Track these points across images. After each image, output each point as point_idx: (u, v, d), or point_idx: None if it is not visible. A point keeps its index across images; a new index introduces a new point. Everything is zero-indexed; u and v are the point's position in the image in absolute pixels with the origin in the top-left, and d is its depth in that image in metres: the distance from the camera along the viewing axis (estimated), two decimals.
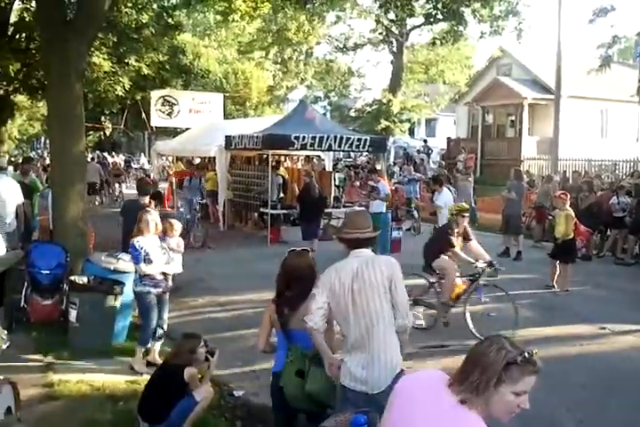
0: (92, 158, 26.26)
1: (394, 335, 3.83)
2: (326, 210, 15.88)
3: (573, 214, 10.48)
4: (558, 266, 10.48)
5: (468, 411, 2.27)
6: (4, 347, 5.10)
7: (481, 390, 2.26)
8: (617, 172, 21.24)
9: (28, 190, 10.53)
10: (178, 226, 7.54)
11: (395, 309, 3.79)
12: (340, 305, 3.84)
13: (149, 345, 6.52)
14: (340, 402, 3.92)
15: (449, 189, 13.66)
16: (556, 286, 10.48)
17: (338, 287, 3.81)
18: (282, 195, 16.36)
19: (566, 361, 7.15)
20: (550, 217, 13.52)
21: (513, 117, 28.52)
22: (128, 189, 23.98)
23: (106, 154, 34.93)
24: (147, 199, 8.59)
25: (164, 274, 6.48)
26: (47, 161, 24.46)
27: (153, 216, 6.44)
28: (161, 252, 6.45)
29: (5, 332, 5.52)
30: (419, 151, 30.42)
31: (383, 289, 3.75)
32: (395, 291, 3.77)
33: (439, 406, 2.31)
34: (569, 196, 10.87)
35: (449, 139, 31.89)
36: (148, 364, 6.44)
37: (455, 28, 27.32)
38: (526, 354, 2.30)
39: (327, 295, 3.87)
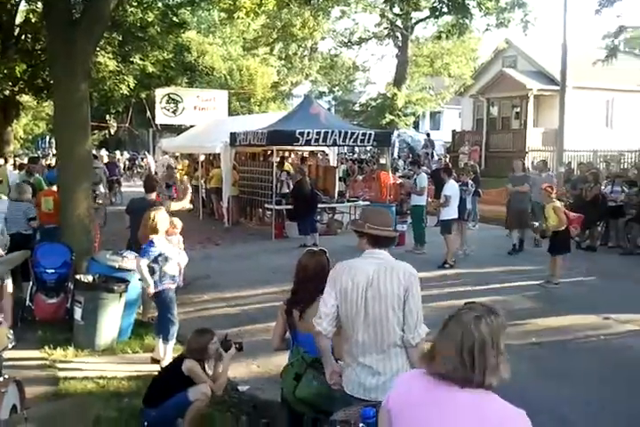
0: (96, 157, 26.31)
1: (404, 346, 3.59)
2: (329, 205, 15.93)
3: (560, 205, 10.38)
4: (557, 258, 10.36)
5: (493, 394, 2.22)
6: (10, 346, 5.13)
7: (498, 367, 2.20)
8: (622, 162, 21.12)
9: (34, 190, 10.59)
10: (179, 224, 7.60)
11: (405, 320, 3.51)
12: (350, 309, 3.58)
13: (173, 341, 6.57)
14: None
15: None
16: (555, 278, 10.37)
17: (350, 289, 3.55)
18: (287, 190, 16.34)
19: (571, 351, 7.18)
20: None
21: (518, 109, 28.38)
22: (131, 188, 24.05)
23: (117, 152, 34.82)
24: (153, 196, 8.64)
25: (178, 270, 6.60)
26: (51, 161, 24.61)
27: (166, 215, 6.56)
28: (173, 249, 6.60)
29: (11, 331, 5.56)
30: (425, 146, 30.35)
31: (398, 299, 3.47)
32: (408, 302, 3.49)
33: (460, 404, 2.20)
34: (555, 189, 10.71)
35: (454, 132, 31.82)
36: (153, 360, 6.49)
37: (461, 21, 27.13)
38: (499, 311, 2.27)
39: (336, 297, 3.62)
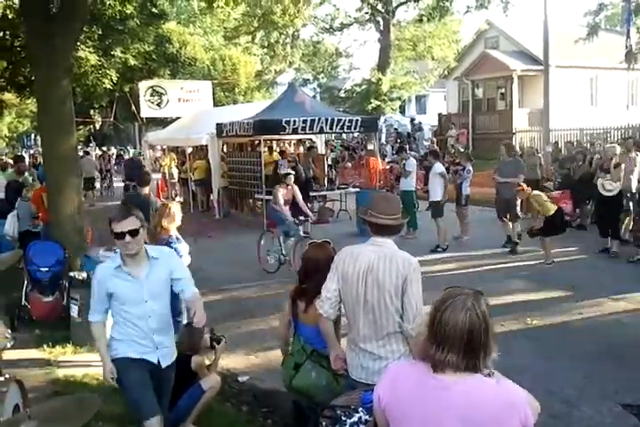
0: (87, 153, 26.19)
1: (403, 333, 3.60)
2: (320, 193, 15.92)
3: (538, 192, 10.48)
4: (546, 239, 10.39)
5: (481, 376, 2.22)
6: (9, 346, 5.12)
7: (493, 348, 2.22)
8: (608, 139, 21.18)
9: (23, 189, 10.55)
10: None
11: (403, 311, 3.52)
12: (350, 294, 3.61)
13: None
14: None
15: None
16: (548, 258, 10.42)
17: (351, 274, 3.58)
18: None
19: (567, 330, 7.24)
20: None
21: (503, 90, 28.40)
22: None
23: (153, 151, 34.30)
24: (147, 190, 8.58)
25: None
26: (38, 158, 24.39)
27: (179, 208, 6.53)
28: (185, 246, 6.54)
29: (9, 330, 5.54)
30: (419, 128, 30.35)
31: (395, 289, 3.48)
32: (407, 292, 3.48)
33: (456, 391, 2.19)
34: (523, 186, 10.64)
35: (440, 115, 31.81)
36: None
37: (441, 4, 27.12)
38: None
39: (338, 281, 3.66)
